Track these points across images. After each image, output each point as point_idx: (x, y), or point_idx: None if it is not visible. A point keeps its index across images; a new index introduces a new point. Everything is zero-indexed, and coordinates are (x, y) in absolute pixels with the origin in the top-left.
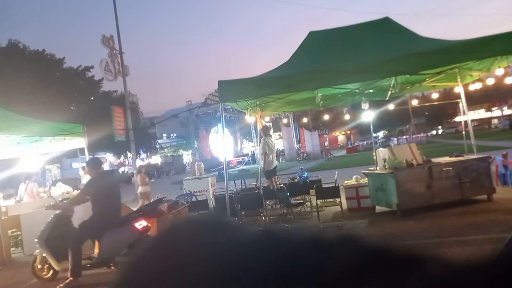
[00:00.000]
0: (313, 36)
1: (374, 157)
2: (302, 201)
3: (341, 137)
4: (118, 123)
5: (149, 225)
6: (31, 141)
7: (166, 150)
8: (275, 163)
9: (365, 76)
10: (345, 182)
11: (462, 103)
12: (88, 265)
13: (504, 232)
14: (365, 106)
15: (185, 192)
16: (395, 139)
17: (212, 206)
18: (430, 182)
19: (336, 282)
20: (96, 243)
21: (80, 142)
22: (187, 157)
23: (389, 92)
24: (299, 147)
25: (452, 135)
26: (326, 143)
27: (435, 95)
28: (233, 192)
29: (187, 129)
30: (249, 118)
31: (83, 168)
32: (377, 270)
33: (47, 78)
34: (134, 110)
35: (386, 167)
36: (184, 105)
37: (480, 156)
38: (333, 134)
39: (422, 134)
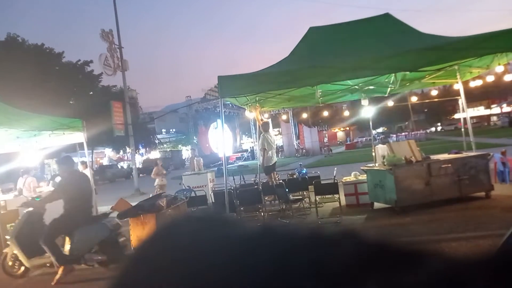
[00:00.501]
0: (313, 32)
1: (373, 154)
2: (301, 197)
3: (340, 134)
4: (117, 118)
5: (120, 223)
6: (30, 136)
7: (165, 145)
8: (275, 159)
9: (364, 72)
10: (344, 178)
11: (462, 100)
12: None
13: (502, 229)
14: (364, 102)
15: (184, 188)
16: (394, 135)
17: (211, 201)
18: (429, 179)
19: (335, 277)
20: (67, 240)
21: (79, 137)
22: (186, 152)
23: (389, 89)
24: (298, 143)
25: (451, 132)
26: (325, 140)
27: (434, 92)
28: (232, 188)
29: (187, 125)
30: (249, 114)
31: (81, 163)
32: (377, 265)
33: (46, 72)
34: (133, 105)
35: (385, 163)
36: (184, 100)
37: (478, 153)
38: (333, 130)
39: (421, 131)
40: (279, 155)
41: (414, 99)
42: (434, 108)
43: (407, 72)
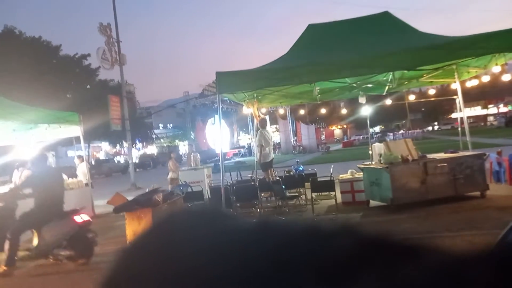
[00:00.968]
0: (312, 29)
1: (370, 152)
2: (297, 194)
3: (337, 131)
4: (114, 113)
5: (90, 219)
6: (27, 129)
7: (162, 140)
8: (272, 155)
9: (363, 70)
10: (341, 176)
11: (459, 100)
12: (27, 256)
13: (496, 228)
14: (362, 100)
15: (180, 183)
16: (391, 134)
17: (207, 197)
18: (425, 177)
19: (333, 271)
20: (36, 234)
21: (75, 130)
22: (183, 148)
23: (387, 87)
24: (296, 140)
25: (448, 132)
26: (323, 137)
27: (432, 91)
28: (229, 184)
29: (184, 120)
30: (246, 110)
31: (78, 157)
32: (375, 259)
33: (43, 65)
34: (130, 100)
35: (382, 162)
36: (181, 96)
37: (474, 153)
38: (330, 128)
39: (418, 130)
40: (276, 152)
41: (411, 98)
42: (431, 107)
43: (405, 71)
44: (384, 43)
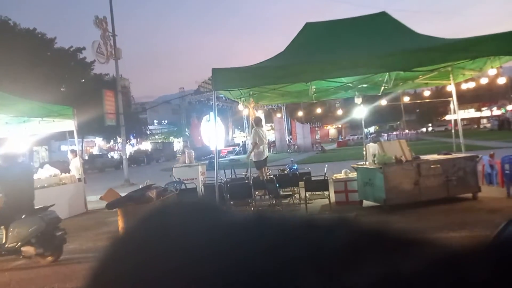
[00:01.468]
0: (309, 28)
1: (364, 152)
2: (291, 193)
3: (332, 131)
4: (109, 107)
5: (59, 217)
6: (19, 122)
7: (156, 136)
8: (266, 153)
9: (359, 70)
10: (334, 175)
11: (453, 102)
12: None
13: (487, 230)
14: (358, 100)
15: (174, 180)
16: (386, 134)
17: (201, 194)
18: (418, 179)
19: (329, 263)
20: (4, 231)
21: (69, 124)
22: (178, 144)
23: (382, 88)
24: (290, 139)
25: (442, 133)
26: (318, 136)
27: (427, 93)
28: (223, 182)
29: (179, 116)
30: (242, 108)
31: (71, 151)
32: (372, 251)
33: (38, 58)
34: (125, 95)
35: (376, 162)
36: (177, 92)
37: (467, 155)
38: (325, 127)
39: (412, 131)
40: (271, 150)
41: (406, 99)
42: (425, 109)
43: (401, 72)
44: (380, 43)
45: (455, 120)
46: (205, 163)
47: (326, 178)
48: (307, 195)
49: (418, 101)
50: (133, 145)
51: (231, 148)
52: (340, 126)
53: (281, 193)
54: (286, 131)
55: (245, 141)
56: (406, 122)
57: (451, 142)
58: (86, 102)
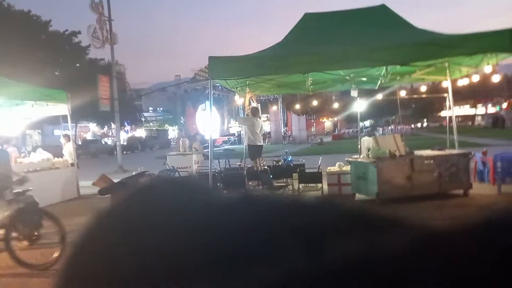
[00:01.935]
0: (308, 18)
1: (359, 146)
2: (284, 184)
3: (328, 124)
4: (104, 93)
5: (36, 201)
6: (12, 105)
7: (151, 124)
8: (259, 143)
9: (356, 63)
10: (328, 168)
11: (449, 98)
12: None
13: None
14: (354, 93)
15: (168, 168)
16: (381, 128)
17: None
18: (411, 173)
19: (314, 240)
20: None
21: (63, 109)
22: (172, 132)
23: (379, 82)
24: (286, 130)
25: (436, 129)
26: (313, 129)
27: (423, 88)
28: (217, 171)
29: (174, 104)
30: (238, 98)
31: (64, 136)
32: (358, 229)
33: (32, 41)
34: (120, 80)
35: (370, 156)
36: (173, 79)
37: (460, 151)
38: (321, 120)
39: (407, 126)
40: (266, 141)
41: (402, 93)
42: (421, 105)
43: (398, 66)
44: (379, 36)
45: (450, 117)
46: (200, 152)
47: (320, 170)
48: (301, 187)
49: (415, 96)
50: (127, 132)
51: (226, 138)
52: (336, 119)
53: (275, 184)
54: (282, 122)
55: (240, 131)
56: (402, 117)
57: (445, 138)
58: (81, 86)
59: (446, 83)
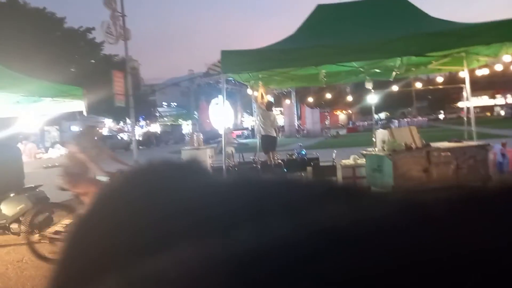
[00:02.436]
0: (321, 10)
1: (374, 139)
2: None
3: (342, 116)
4: (118, 88)
5: (47, 196)
6: (30, 101)
7: (165, 118)
8: (273, 134)
9: (370, 54)
10: (343, 161)
11: (466, 89)
12: None
13: None
14: (368, 85)
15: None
16: (396, 121)
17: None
18: (428, 166)
19: (301, 215)
20: None
21: (79, 105)
22: (186, 127)
23: (394, 73)
24: (300, 124)
25: (454, 120)
26: (327, 122)
27: (439, 79)
28: (231, 165)
29: (188, 99)
30: (251, 92)
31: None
32: (341, 200)
33: (47, 37)
34: (134, 76)
35: (385, 149)
36: (186, 74)
37: (479, 143)
38: (335, 112)
39: (423, 118)
40: (280, 135)
41: (418, 85)
42: (437, 96)
43: (413, 57)
44: (393, 27)
45: (468, 108)
46: (214, 146)
47: (334, 164)
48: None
49: (430, 87)
50: (142, 127)
51: (239, 132)
52: (350, 111)
53: None
54: (296, 116)
55: (253, 125)
56: (418, 108)
57: (463, 130)
58: (96, 82)
59: (464, 74)
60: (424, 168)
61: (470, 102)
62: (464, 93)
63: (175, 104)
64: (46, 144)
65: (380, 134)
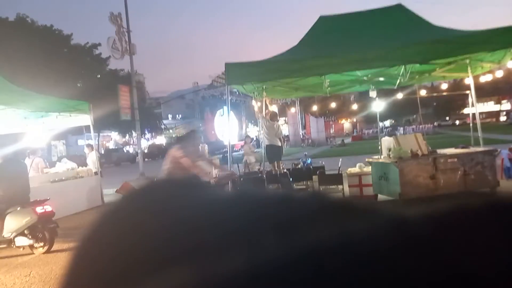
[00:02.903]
0: (323, 21)
1: (379, 146)
2: (304, 187)
3: (347, 125)
4: (124, 102)
5: (53, 210)
6: (37, 116)
7: (171, 131)
8: (278, 144)
9: (374, 63)
10: (349, 169)
11: (471, 95)
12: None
13: None
14: (373, 94)
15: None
16: (402, 128)
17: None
18: (434, 173)
19: (296, 230)
20: (1, 222)
21: (86, 119)
22: None
23: (398, 81)
24: (304, 133)
25: (460, 127)
26: (332, 130)
27: (444, 86)
28: (236, 176)
29: (193, 111)
30: (255, 103)
31: (88, 145)
32: (332, 217)
33: (55, 54)
34: (140, 90)
35: (391, 156)
36: (191, 86)
37: (485, 149)
38: (339, 121)
39: (429, 125)
40: (285, 144)
41: (423, 92)
42: (443, 102)
43: (417, 64)
44: (396, 36)
45: (473, 114)
46: (219, 157)
47: (340, 172)
48: (321, 189)
49: (435, 94)
50: (148, 140)
51: (243, 143)
52: (355, 120)
53: (295, 187)
54: (300, 125)
55: (258, 136)
56: (423, 115)
57: (469, 136)
58: (102, 97)
59: (468, 80)
60: (431, 175)
61: (475, 108)
62: (470, 100)
63: (180, 116)
64: (53, 158)
65: (386, 142)
